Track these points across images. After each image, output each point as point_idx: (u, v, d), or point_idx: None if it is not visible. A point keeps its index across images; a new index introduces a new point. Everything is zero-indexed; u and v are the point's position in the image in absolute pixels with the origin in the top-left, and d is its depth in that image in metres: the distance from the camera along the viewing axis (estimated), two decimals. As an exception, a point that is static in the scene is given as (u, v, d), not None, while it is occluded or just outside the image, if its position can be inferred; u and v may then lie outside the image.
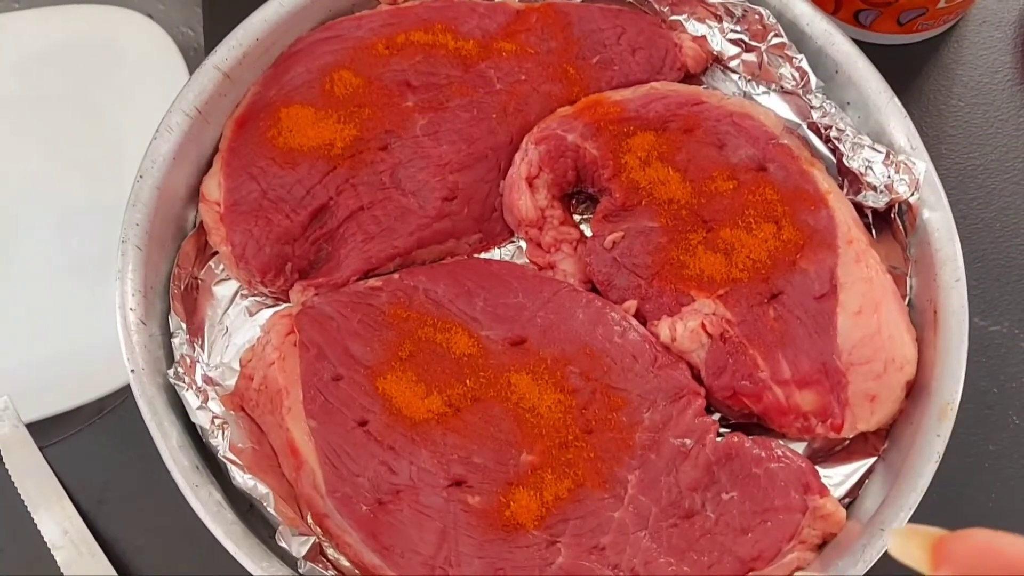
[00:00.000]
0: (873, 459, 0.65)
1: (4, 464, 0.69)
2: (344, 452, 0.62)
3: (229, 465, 0.59)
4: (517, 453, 0.62)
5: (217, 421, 0.60)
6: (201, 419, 0.60)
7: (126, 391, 0.73)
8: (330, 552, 0.62)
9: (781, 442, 0.63)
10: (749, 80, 0.75)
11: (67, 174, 0.83)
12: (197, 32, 0.91)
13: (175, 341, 0.65)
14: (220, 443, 0.60)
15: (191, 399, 0.60)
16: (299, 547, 0.58)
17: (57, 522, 0.65)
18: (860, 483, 0.65)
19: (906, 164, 0.66)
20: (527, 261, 0.72)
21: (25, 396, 0.72)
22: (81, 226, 0.81)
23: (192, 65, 0.86)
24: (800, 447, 0.66)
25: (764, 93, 0.75)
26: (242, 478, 0.59)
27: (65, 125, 0.85)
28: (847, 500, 0.65)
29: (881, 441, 0.65)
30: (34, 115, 0.86)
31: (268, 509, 0.58)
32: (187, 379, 0.62)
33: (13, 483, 0.68)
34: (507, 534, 0.60)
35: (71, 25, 0.89)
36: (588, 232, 0.72)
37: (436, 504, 0.60)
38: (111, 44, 0.89)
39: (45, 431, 0.71)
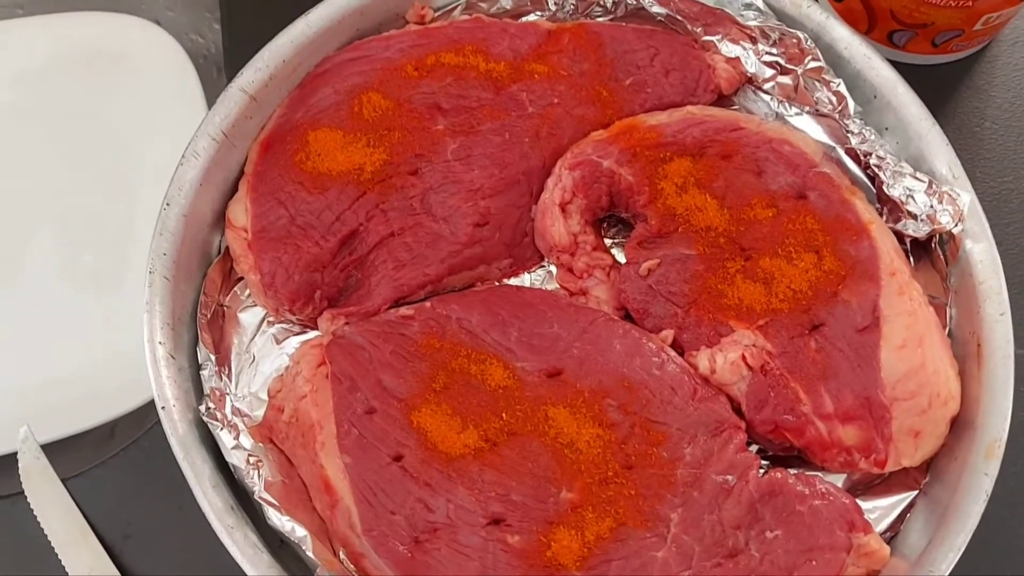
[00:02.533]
0: (914, 492, 0.64)
1: (24, 494, 0.68)
2: (380, 489, 0.60)
3: (265, 506, 0.58)
4: (556, 490, 0.61)
5: (252, 459, 0.59)
6: (236, 459, 0.59)
7: (147, 419, 0.72)
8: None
9: (820, 474, 0.63)
10: (781, 102, 0.74)
11: (76, 185, 0.82)
12: (207, 39, 0.90)
13: (204, 373, 0.64)
14: (256, 483, 0.58)
15: (226, 439, 0.59)
16: (336, 590, 0.57)
17: (84, 561, 0.64)
18: (901, 517, 0.64)
19: (950, 195, 0.65)
20: (557, 286, 0.71)
21: (40, 416, 0.71)
22: (91, 239, 0.80)
23: (202, 72, 0.85)
24: (838, 479, 0.65)
25: (797, 115, 0.73)
26: (279, 520, 0.58)
27: (73, 135, 0.84)
28: (888, 534, 0.64)
29: (922, 474, 0.65)
30: (41, 124, 0.84)
31: (307, 553, 0.57)
32: (219, 415, 0.60)
33: (35, 514, 0.67)
34: (549, 575, 0.58)
35: (78, 32, 0.88)
36: (620, 257, 0.71)
37: (475, 543, 0.59)
38: (120, 52, 0.87)
39: (66, 463, 0.70)
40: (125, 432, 0.73)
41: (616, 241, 0.73)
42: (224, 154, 0.68)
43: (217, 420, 0.60)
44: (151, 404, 0.70)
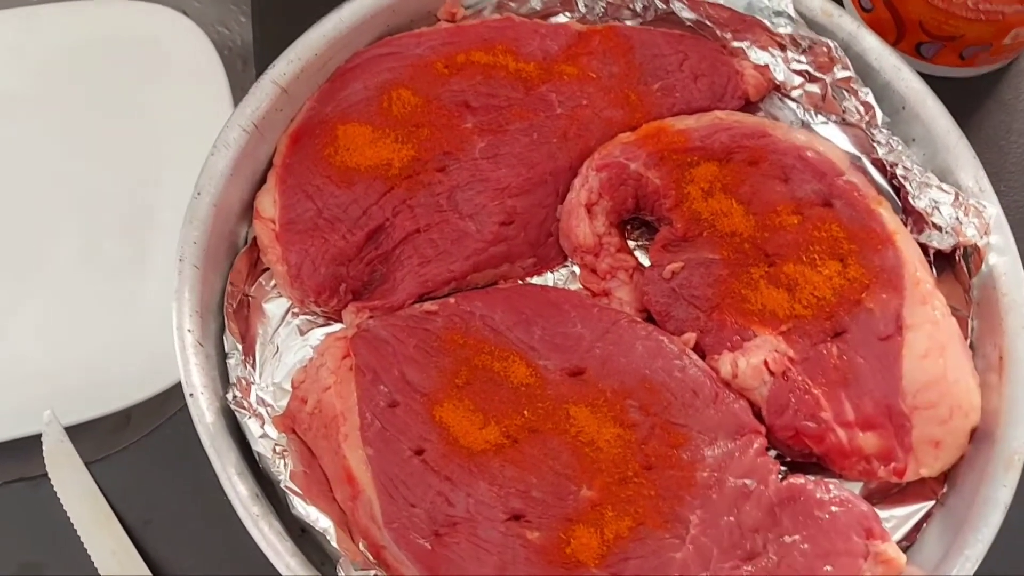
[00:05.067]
0: (931, 503, 0.65)
1: (48, 478, 0.68)
2: (401, 482, 0.61)
3: (290, 495, 0.58)
4: (576, 488, 0.61)
5: (278, 448, 0.59)
6: (263, 447, 0.59)
7: (168, 407, 0.72)
8: (380, 582, 0.61)
9: (840, 482, 0.63)
10: (808, 110, 0.74)
11: (99, 171, 0.82)
12: (233, 31, 0.90)
13: (231, 362, 0.64)
14: (282, 472, 0.59)
15: (253, 427, 0.60)
16: (358, 581, 0.58)
17: (106, 544, 0.64)
18: (917, 527, 0.64)
19: (976, 207, 0.65)
20: (580, 287, 0.71)
21: (63, 400, 0.71)
22: (114, 226, 0.80)
23: (228, 64, 0.85)
24: (855, 487, 0.65)
25: (824, 123, 0.74)
26: (304, 508, 0.58)
27: (99, 121, 0.84)
28: (904, 544, 0.64)
29: (940, 485, 0.65)
30: (67, 110, 0.85)
31: (331, 543, 0.57)
32: (245, 403, 0.61)
33: (58, 497, 0.67)
34: (567, 572, 0.59)
35: (105, 20, 0.88)
36: (643, 260, 0.72)
37: (494, 538, 0.60)
38: (146, 40, 0.88)
39: (91, 445, 0.70)
40: (142, 417, 0.73)
41: (639, 244, 0.73)
42: (254, 145, 0.69)
43: (244, 408, 0.60)
44: (172, 391, 0.71)
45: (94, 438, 0.72)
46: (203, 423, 0.60)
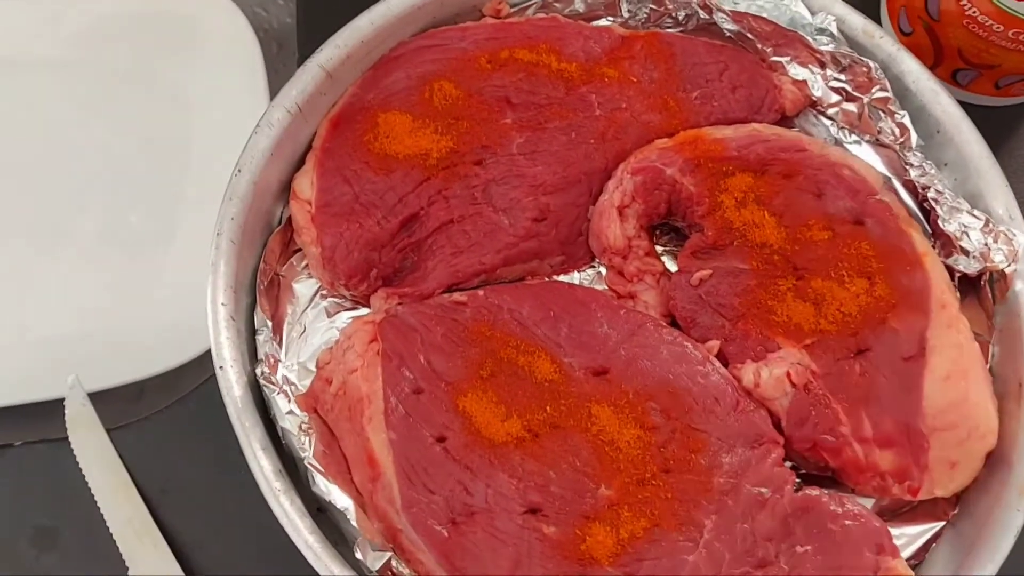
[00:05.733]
0: (941, 524, 0.65)
1: (69, 442, 0.69)
2: (421, 468, 0.61)
3: (312, 471, 0.59)
4: (595, 486, 0.62)
5: (304, 426, 0.60)
6: (289, 423, 0.60)
7: (184, 380, 0.73)
8: (393, 564, 0.62)
9: (852, 497, 0.64)
10: (842, 128, 0.75)
11: (129, 145, 0.83)
12: (271, 13, 0.91)
13: (260, 338, 0.65)
14: (307, 449, 0.59)
15: (281, 403, 0.60)
16: (374, 562, 0.58)
17: (123, 510, 0.65)
18: (926, 546, 0.65)
19: (1006, 235, 0.66)
20: (606, 287, 0.72)
21: (87, 366, 0.72)
22: (142, 199, 0.81)
23: (263, 46, 0.86)
24: (867, 503, 0.66)
25: (856, 143, 0.74)
26: (325, 486, 0.59)
27: (129, 95, 0.85)
28: (913, 562, 0.65)
29: (951, 506, 0.65)
30: (99, 84, 0.85)
31: (351, 522, 0.58)
32: (273, 379, 0.62)
33: (78, 463, 0.68)
34: (581, 568, 0.59)
35: None
36: (669, 265, 0.72)
37: (511, 530, 0.60)
38: (185, 18, 0.88)
39: (112, 413, 0.71)
40: (159, 393, 0.74)
41: (666, 249, 0.74)
42: (296, 127, 0.70)
43: (272, 384, 0.61)
44: (194, 364, 0.72)
45: (113, 408, 0.73)
46: (231, 396, 0.60)
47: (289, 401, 0.62)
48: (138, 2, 0.88)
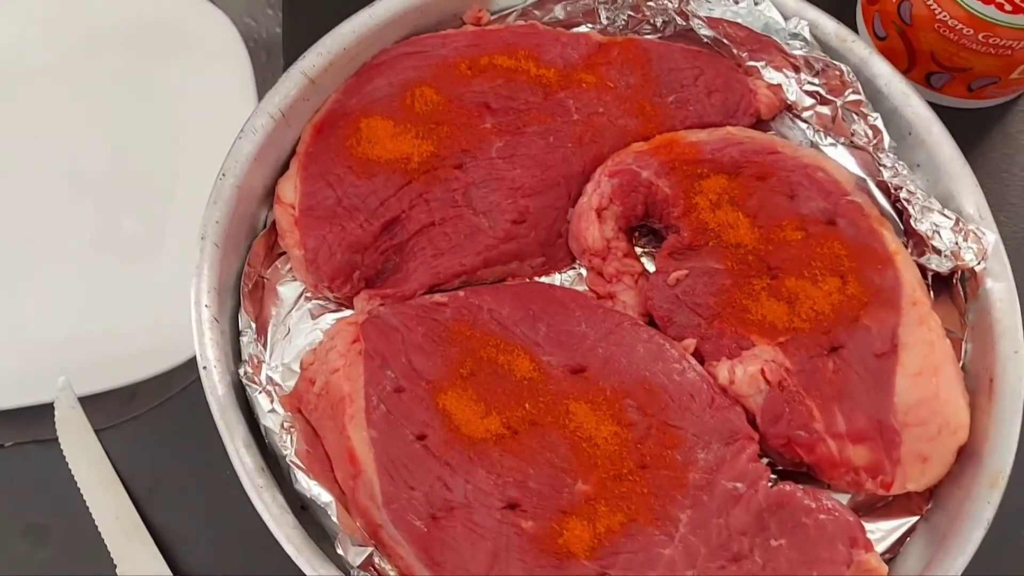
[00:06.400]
0: (915, 518, 0.66)
1: (59, 443, 0.70)
2: (402, 464, 0.63)
3: (294, 469, 0.60)
4: (572, 481, 0.63)
5: (286, 424, 0.61)
6: (271, 422, 0.61)
7: (177, 381, 0.74)
8: (376, 559, 0.63)
9: (827, 492, 0.65)
10: (818, 131, 0.76)
11: (120, 151, 0.84)
12: (260, 22, 0.92)
13: (244, 339, 0.66)
14: (288, 447, 0.61)
15: (263, 402, 0.61)
16: (355, 557, 0.59)
17: (110, 509, 0.66)
18: (901, 541, 0.66)
19: (975, 233, 0.67)
20: (587, 288, 0.73)
21: (77, 370, 0.73)
22: (133, 205, 0.82)
23: (253, 55, 0.87)
24: (843, 499, 0.67)
25: (831, 145, 0.76)
26: (307, 483, 0.60)
27: (121, 102, 0.86)
28: (887, 556, 0.65)
29: (925, 501, 0.66)
30: (90, 91, 0.87)
31: (332, 517, 0.59)
32: (256, 379, 0.63)
33: (67, 463, 0.69)
34: (559, 562, 0.60)
35: (136, 4, 0.90)
36: (648, 266, 0.74)
37: (489, 525, 0.61)
38: (174, 27, 0.89)
39: (101, 414, 0.72)
40: (152, 395, 0.75)
41: (646, 250, 0.75)
42: (280, 132, 0.71)
43: (255, 384, 0.62)
44: (183, 366, 0.73)
45: (103, 409, 0.74)
46: (215, 395, 0.62)
47: (272, 400, 0.63)
48: (128, 12, 0.90)
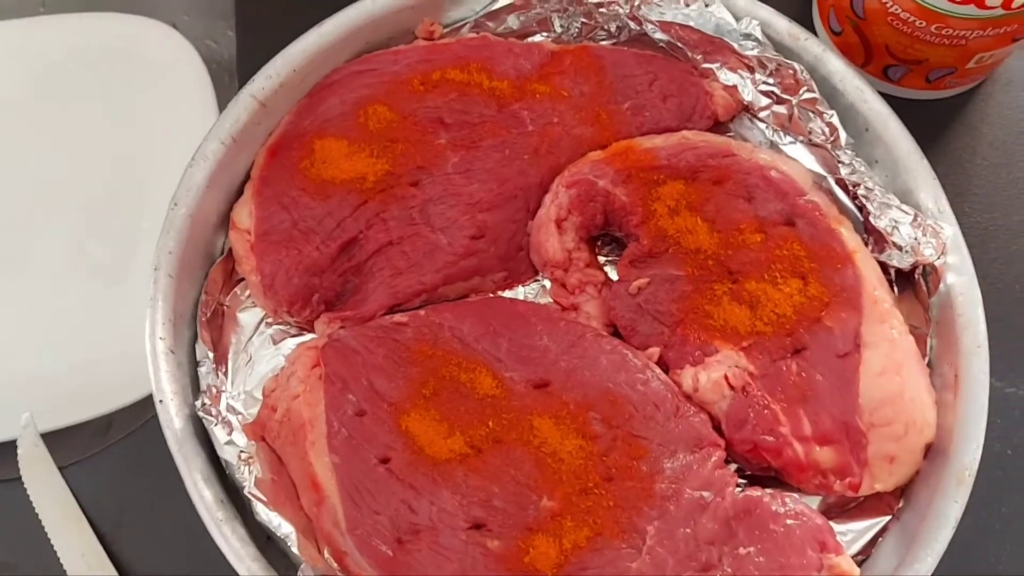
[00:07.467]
0: (887, 518, 0.66)
1: (23, 481, 0.70)
2: (365, 489, 0.62)
3: (253, 501, 0.60)
4: (538, 498, 0.62)
5: (243, 456, 0.61)
6: (228, 454, 0.61)
7: (145, 412, 0.74)
8: (345, 588, 0.63)
9: (797, 496, 0.64)
10: (776, 130, 0.76)
11: (87, 179, 0.84)
12: (221, 44, 0.92)
13: (201, 370, 0.66)
14: (246, 479, 0.60)
15: (219, 434, 0.61)
16: (319, 585, 0.59)
17: (75, 546, 0.66)
18: (873, 541, 0.65)
19: (934, 228, 0.67)
20: (550, 301, 0.72)
21: (42, 405, 0.73)
22: (99, 233, 0.82)
23: (216, 77, 0.87)
24: (814, 501, 0.66)
25: (791, 143, 0.75)
26: (267, 515, 0.59)
27: (86, 131, 0.86)
28: (860, 557, 0.65)
29: (896, 500, 0.66)
30: (55, 120, 0.86)
31: (291, 548, 0.59)
32: (214, 411, 0.62)
33: (31, 501, 0.69)
34: (525, 580, 0.60)
35: (96, 32, 0.90)
36: (612, 274, 0.73)
37: (455, 546, 0.61)
38: (135, 53, 0.89)
39: (64, 451, 0.72)
40: (123, 423, 0.74)
41: (610, 259, 0.74)
42: (232, 157, 0.70)
43: (212, 416, 0.62)
44: (150, 398, 0.73)
45: (72, 439, 0.73)
46: (171, 428, 0.61)
47: (230, 432, 0.62)
48: (92, 38, 0.89)
